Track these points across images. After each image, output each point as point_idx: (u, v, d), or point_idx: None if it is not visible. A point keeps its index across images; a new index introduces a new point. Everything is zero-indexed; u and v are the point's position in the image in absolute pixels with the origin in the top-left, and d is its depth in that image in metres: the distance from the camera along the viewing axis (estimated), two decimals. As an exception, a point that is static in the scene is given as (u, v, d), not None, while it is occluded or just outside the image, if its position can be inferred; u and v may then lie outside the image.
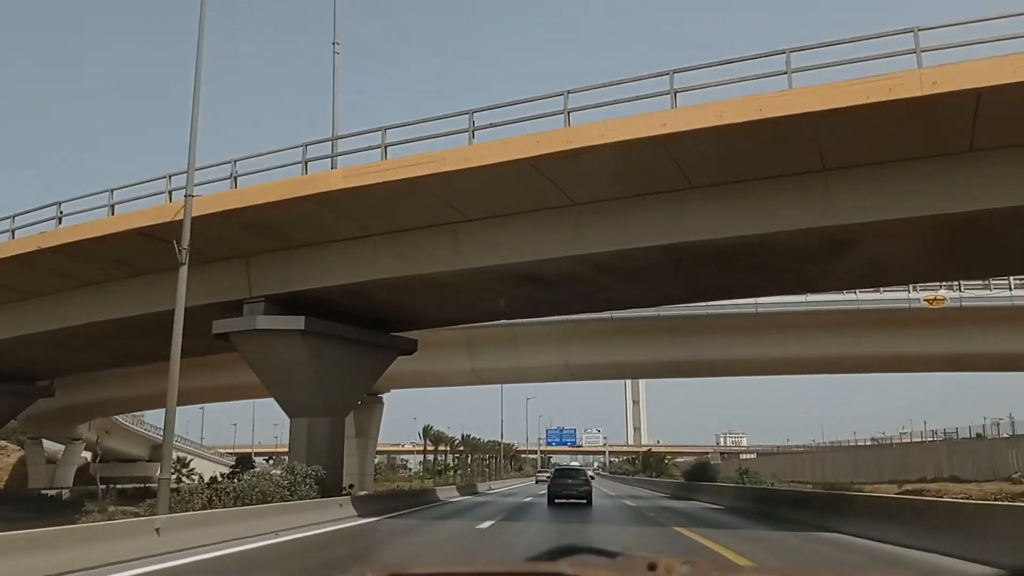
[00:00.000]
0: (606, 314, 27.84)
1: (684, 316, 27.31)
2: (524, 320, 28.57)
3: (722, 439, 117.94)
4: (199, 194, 17.55)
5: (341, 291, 18.36)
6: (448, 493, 29.74)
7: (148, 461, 76.84)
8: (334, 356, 19.65)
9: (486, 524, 14.42)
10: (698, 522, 16.28)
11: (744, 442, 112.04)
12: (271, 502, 13.18)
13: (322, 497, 15.70)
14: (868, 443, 60.66)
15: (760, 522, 15.65)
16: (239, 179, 17.18)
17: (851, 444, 61.22)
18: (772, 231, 14.47)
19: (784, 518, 15.93)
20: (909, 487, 38.09)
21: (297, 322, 18.55)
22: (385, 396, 35.55)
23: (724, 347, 27.62)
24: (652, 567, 1.12)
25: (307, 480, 15.63)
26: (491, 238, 16.49)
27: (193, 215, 16.76)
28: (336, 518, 14.28)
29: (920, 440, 49.62)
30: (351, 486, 19.07)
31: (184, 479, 70.10)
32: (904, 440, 52.13)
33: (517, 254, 16.33)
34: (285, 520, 11.87)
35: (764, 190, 14.38)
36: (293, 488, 14.93)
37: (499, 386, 77.97)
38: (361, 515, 15.91)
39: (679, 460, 68.23)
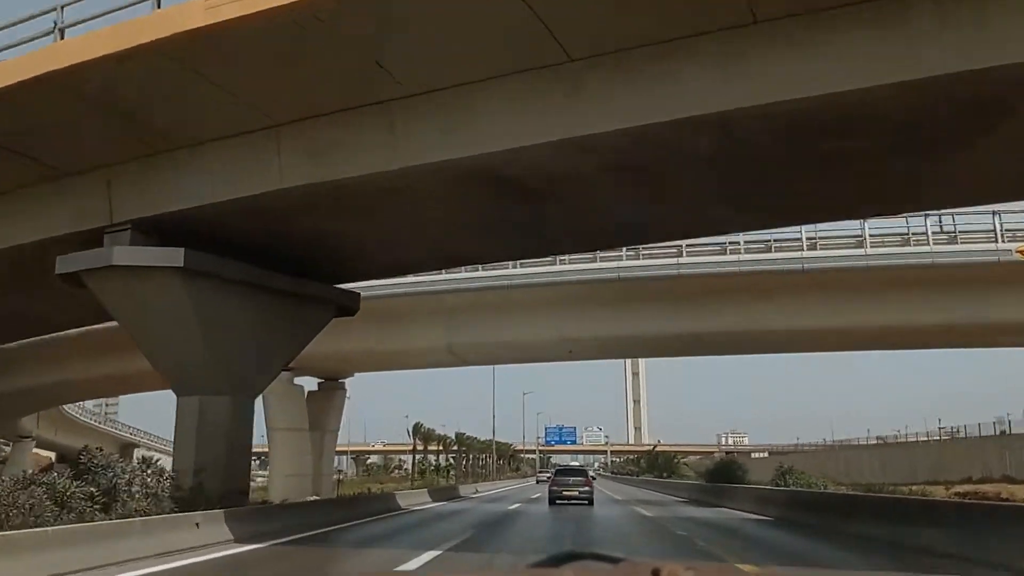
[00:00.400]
0: (612, 271, 22.26)
1: (710, 275, 21.70)
2: (508, 280, 22.96)
3: (723, 439, 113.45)
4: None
5: (237, 212, 12.75)
6: (417, 499, 24.16)
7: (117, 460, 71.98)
8: (235, 309, 14.06)
9: (422, 559, 8.77)
10: (769, 550, 10.73)
11: (746, 441, 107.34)
12: (42, 525, 7.58)
13: (179, 511, 10.10)
14: (875, 441, 55.53)
15: (867, 551, 10.04)
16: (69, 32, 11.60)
17: (879, 441, 55.81)
18: (877, 84, 8.85)
19: (900, 541, 10.34)
20: (960, 489, 32.63)
21: (172, 256, 12.95)
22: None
23: (760, 315, 21.98)
24: (656, 573, 1.13)
25: (150, 488, 10.05)
26: (445, 120, 10.89)
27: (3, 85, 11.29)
28: (177, 549, 8.69)
29: (962, 436, 43.89)
30: (243, 492, 13.42)
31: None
32: (943, 437, 46.42)
33: (485, 141, 10.73)
34: (25, 566, 6.27)
35: (864, 22, 8.79)
36: (109, 502, 9.29)
37: (492, 380, 71.86)
38: (238, 539, 10.31)
39: (686, 459, 62.60)
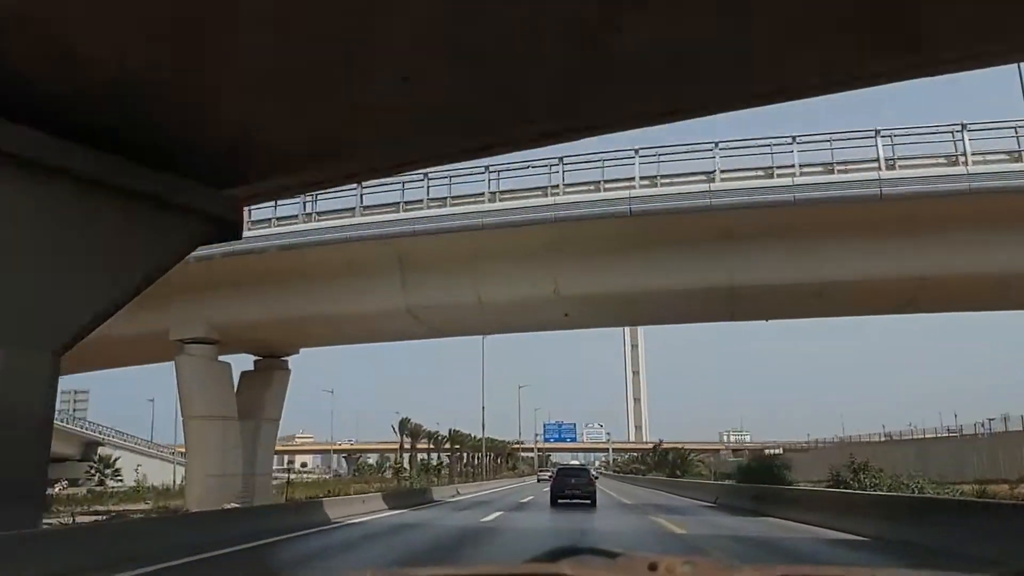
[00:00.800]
0: (622, 203, 16.63)
1: (753, 206, 16.07)
2: (480, 216, 17.38)
3: (725, 437, 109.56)
4: None
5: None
6: (364, 507, 18.58)
7: (79, 461, 67.33)
8: (14, 203, 8.53)
9: None
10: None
11: (748, 439, 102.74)
12: None
13: None
14: (884, 438, 50.48)
15: None
16: None
17: (887, 438, 50.77)
18: None
19: None
20: (1029, 489, 27.16)
21: None
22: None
23: (821, 261, 16.38)
24: (653, 567, 1.13)
25: None
26: None
27: None
28: None
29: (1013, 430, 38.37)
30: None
31: (108, 481, 59.67)
32: (992, 432, 40.87)
33: None
34: None
35: None
36: None
37: (481, 362, 65.88)
38: None
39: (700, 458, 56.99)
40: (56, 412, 46.77)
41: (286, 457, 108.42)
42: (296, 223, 18.97)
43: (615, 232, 17.16)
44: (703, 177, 16.85)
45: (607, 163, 17.47)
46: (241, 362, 24.11)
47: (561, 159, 17.31)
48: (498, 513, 19.02)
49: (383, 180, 19.01)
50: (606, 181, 17.39)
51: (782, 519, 15.63)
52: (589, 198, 16.96)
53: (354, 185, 18.91)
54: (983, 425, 42.02)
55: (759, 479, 21.90)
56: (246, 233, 19.24)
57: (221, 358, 22.46)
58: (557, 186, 17.40)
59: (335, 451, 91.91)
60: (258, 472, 22.20)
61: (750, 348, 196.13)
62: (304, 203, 19.16)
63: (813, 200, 15.70)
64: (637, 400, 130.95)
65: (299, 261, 18.99)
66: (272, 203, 19.71)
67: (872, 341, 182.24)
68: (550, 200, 17.12)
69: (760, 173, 16.86)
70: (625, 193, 16.64)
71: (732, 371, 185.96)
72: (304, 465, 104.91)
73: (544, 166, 17.74)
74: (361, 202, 18.56)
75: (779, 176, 16.38)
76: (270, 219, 19.57)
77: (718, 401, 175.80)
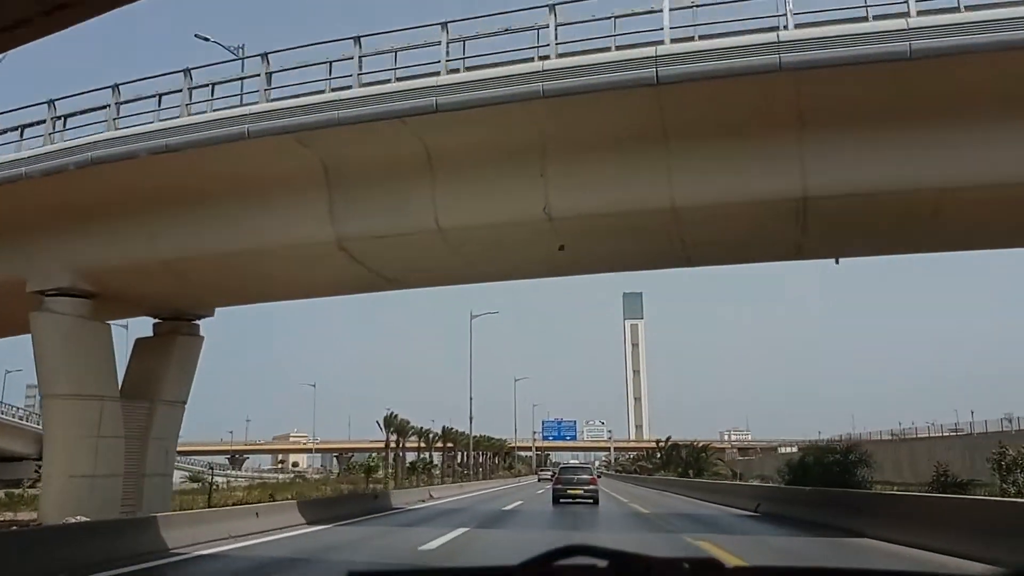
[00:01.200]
0: (646, 64, 10.96)
1: (846, 61, 10.40)
2: (435, 93, 11.72)
3: (726, 435, 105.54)
4: None
5: None
6: (257, 520, 12.85)
7: (36, 459, 62.53)
8: None
9: None
10: None
11: (749, 438, 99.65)
12: None
13: None
14: (889, 437, 45.35)
15: None
16: None
17: (894, 437, 45.90)
18: None
19: None
20: None
21: None
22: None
23: (935, 155, 10.86)
24: (650, 567, 1.15)
25: None
26: None
27: None
28: None
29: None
30: None
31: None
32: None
33: None
34: None
35: None
36: None
37: (470, 351, 58.64)
38: None
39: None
40: (16, 409, 40.75)
41: (279, 456, 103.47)
42: (178, 119, 13.41)
43: (633, 115, 11.59)
44: (767, 26, 11.28)
45: (620, 17, 11.88)
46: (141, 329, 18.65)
47: (552, 7, 11.71)
48: (458, 532, 13.20)
49: (299, 61, 13.55)
50: (619, 45, 11.80)
51: (902, 545, 10.01)
52: (592, 60, 11.34)
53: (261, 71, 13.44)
54: (1009, 421, 37.50)
55: (832, 480, 15.90)
56: (111, 135, 13.79)
57: (113, 323, 16.98)
58: (548, 49, 11.80)
59: (316, 449, 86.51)
60: (150, 472, 16.54)
61: (750, 347, 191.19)
62: (190, 91, 13.64)
63: (942, 50, 10.08)
64: (638, 399, 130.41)
65: (187, 174, 13.51)
66: (154, 96, 14.26)
67: (873, 336, 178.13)
68: (537, 66, 11.51)
69: (852, 8, 11.30)
70: (647, 50, 11.03)
71: (732, 370, 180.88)
72: (296, 464, 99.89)
73: (529, 27, 12.20)
74: (269, 83, 13.00)
75: (878, 16, 10.81)
76: (152, 119, 14.06)
77: (718, 400, 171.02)
